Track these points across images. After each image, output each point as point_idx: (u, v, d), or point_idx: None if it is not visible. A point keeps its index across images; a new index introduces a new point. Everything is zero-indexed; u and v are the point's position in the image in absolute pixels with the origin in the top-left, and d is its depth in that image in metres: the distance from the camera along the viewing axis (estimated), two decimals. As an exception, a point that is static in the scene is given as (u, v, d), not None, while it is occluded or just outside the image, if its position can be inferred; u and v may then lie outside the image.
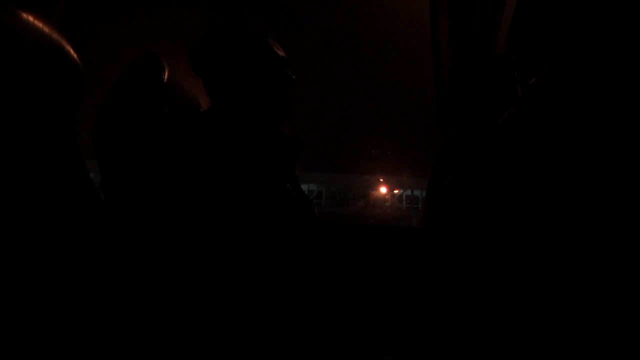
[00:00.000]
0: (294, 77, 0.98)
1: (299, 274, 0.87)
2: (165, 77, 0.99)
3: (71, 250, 0.79)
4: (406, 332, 0.92)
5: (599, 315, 0.70)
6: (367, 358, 0.84)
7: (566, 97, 0.72)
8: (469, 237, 0.97)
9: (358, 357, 0.83)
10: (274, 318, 0.77)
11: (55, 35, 0.82)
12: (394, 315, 0.98)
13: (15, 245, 0.68)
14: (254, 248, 0.80)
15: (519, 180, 0.80)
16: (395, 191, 17.93)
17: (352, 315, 0.92)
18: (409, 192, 17.71)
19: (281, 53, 0.99)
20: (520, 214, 0.80)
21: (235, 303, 0.76)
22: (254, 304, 0.77)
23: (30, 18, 0.76)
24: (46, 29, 0.80)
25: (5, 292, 0.66)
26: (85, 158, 0.91)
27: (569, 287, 0.73)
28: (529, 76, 0.84)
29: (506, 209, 0.83)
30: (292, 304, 0.81)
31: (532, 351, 0.77)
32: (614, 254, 0.68)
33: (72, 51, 0.86)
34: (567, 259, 0.73)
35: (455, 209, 1.03)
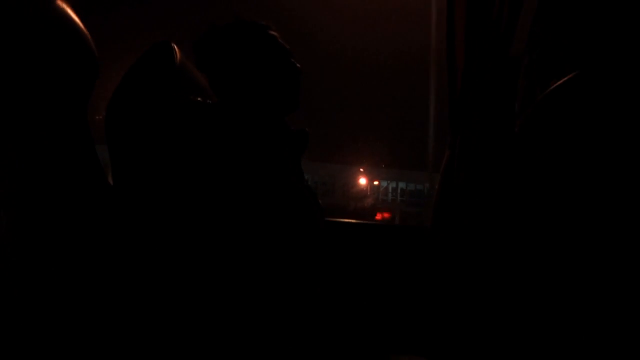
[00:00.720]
0: (299, 66, 0.98)
1: (306, 269, 0.87)
2: (177, 65, 0.98)
3: (77, 238, 0.78)
4: (414, 330, 0.94)
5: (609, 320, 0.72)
6: (374, 356, 0.85)
7: (588, 103, 0.73)
8: (481, 238, 0.98)
9: (365, 355, 0.83)
10: (279, 314, 0.77)
11: (72, 19, 0.81)
12: (401, 314, 0.99)
13: (22, 230, 0.68)
14: (261, 241, 0.80)
15: (535, 186, 0.81)
16: (375, 183, 18.00)
17: (359, 313, 0.93)
18: (394, 185, 17.82)
19: (286, 45, 0.99)
20: (535, 219, 0.80)
21: (241, 298, 0.76)
22: (260, 300, 0.77)
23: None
24: (64, 12, 0.78)
25: (10, 279, 0.66)
26: (95, 143, 0.90)
27: (579, 290, 0.75)
28: (549, 79, 0.85)
29: (521, 213, 0.83)
30: (299, 300, 0.81)
31: (540, 350, 0.79)
32: (631, 260, 0.70)
33: (88, 35, 0.84)
34: (580, 262, 0.74)
35: (468, 210, 1.04)
